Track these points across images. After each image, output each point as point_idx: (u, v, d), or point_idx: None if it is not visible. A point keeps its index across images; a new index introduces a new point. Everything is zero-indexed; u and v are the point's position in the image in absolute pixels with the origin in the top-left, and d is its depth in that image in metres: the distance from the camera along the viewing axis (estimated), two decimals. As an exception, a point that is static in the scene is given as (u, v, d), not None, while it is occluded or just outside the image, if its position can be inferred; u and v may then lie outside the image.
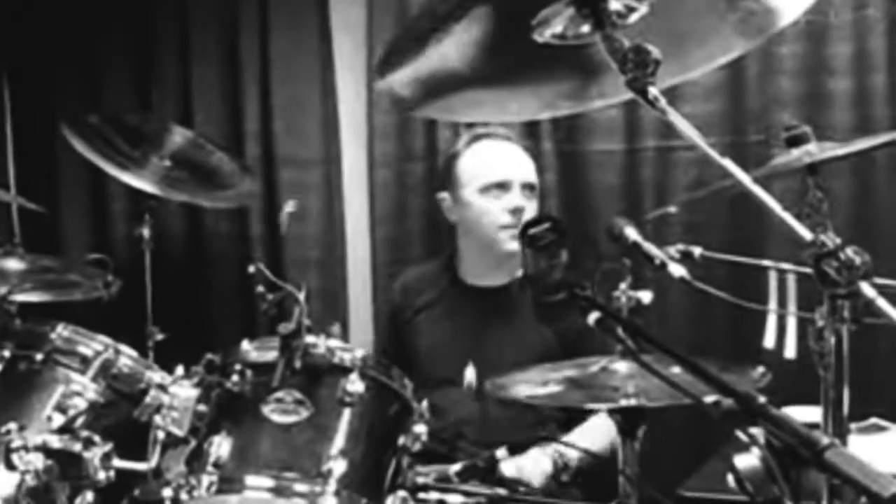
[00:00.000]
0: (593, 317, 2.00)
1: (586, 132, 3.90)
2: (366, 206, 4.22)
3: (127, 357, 2.52)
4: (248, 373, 2.24)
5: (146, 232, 3.89)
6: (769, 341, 2.62)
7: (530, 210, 3.19)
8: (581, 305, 1.99)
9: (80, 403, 2.42)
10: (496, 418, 2.96)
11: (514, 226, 3.10)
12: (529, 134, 3.91)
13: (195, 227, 4.43)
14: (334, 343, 2.29)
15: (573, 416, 3.05)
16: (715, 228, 3.67)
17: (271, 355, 2.23)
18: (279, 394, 2.19)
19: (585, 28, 1.98)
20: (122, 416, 2.43)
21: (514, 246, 3.10)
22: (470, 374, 2.53)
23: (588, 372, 2.43)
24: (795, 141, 2.44)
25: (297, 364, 2.19)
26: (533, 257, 2.01)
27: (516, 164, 3.27)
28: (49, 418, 2.41)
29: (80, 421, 2.38)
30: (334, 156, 4.28)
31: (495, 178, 3.21)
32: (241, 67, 4.33)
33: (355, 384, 2.22)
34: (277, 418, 2.18)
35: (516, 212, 3.15)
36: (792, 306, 2.61)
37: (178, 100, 4.41)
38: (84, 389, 2.45)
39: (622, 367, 2.40)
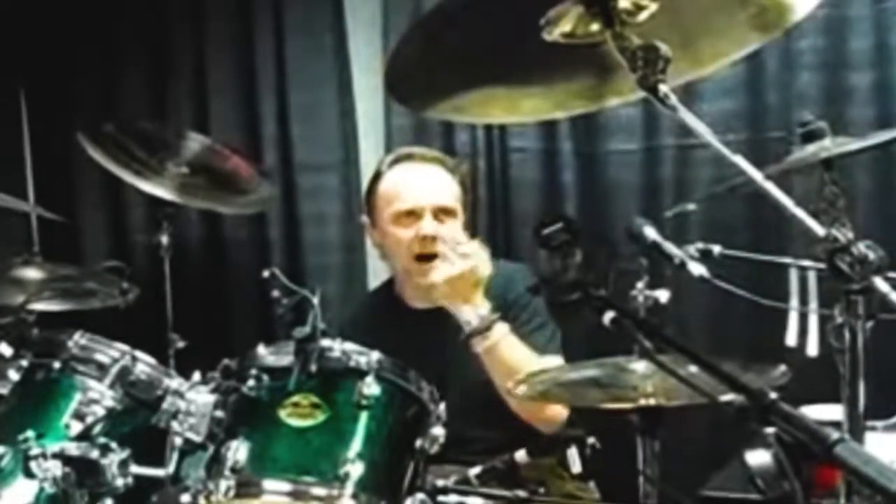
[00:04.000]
0: (608, 316, 2.00)
1: (604, 132, 3.88)
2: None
3: (144, 364, 2.50)
4: (265, 377, 2.24)
5: (164, 239, 3.89)
6: (791, 339, 2.60)
7: (448, 231, 3.05)
8: (596, 305, 1.99)
9: (98, 411, 2.41)
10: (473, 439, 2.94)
11: (427, 256, 3.03)
12: (547, 134, 3.91)
13: (213, 233, 4.46)
14: (350, 346, 2.28)
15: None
16: (735, 226, 3.65)
17: (287, 360, 2.22)
18: (295, 398, 2.18)
19: (595, 26, 1.98)
20: (140, 423, 2.42)
21: (430, 278, 2.98)
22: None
23: (608, 371, 2.43)
24: (811, 136, 2.41)
25: (313, 368, 2.19)
26: (546, 257, 2.00)
27: (428, 189, 3.14)
28: (67, 426, 2.41)
29: (97, 428, 2.37)
30: (353, 159, 4.29)
31: (404, 206, 3.11)
32: (257, 71, 4.36)
33: (371, 387, 2.21)
34: (294, 422, 2.17)
35: (426, 240, 3.05)
36: (813, 304, 2.59)
37: (194, 106, 4.44)
38: (101, 397, 2.43)
39: (640, 366, 2.39)
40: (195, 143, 3.87)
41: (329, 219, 4.30)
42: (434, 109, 2.44)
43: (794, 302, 2.61)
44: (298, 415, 2.18)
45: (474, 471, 2.42)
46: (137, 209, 4.46)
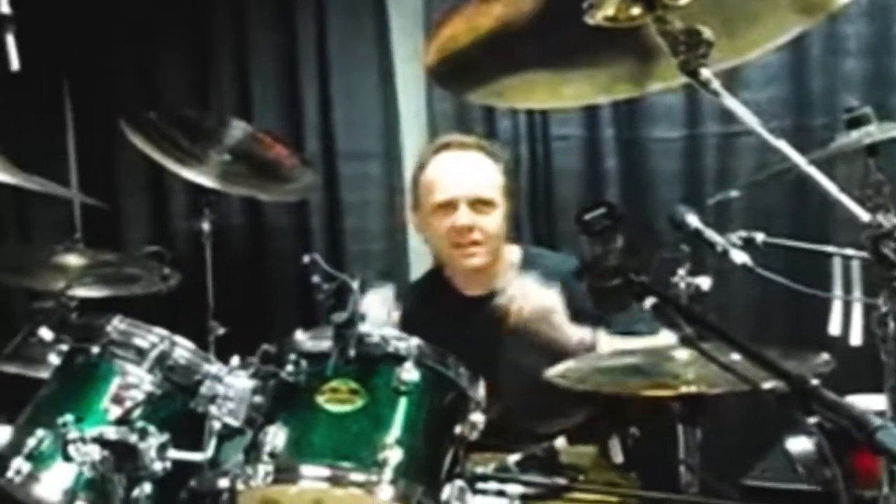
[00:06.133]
0: (649, 302, 1.98)
1: (646, 118, 3.85)
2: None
3: (183, 349, 2.49)
4: (303, 363, 2.23)
5: (206, 226, 3.89)
6: (835, 328, 2.58)
7: (485, 224, 3.11)
8: (636, 291, 1.97)
9: (137, 395, 2.42)
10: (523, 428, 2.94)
11: (465, 244, 3.10)
12: (590, 121, 3.88)
13: (255, 221, 4.45)
14: (389, 332, 2.27)
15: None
16: (778, 214, 3.61)
17: (325, 345, 2.21)
18: (333, 383, 2.17)
19: (636, 10, 1.96)
20: (178, 408, 2.42)
21: (471, 262, 3.12)
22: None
23: (649, 359, 2.41)
24: (855, 122, 2.39)
25: (352, 353, 2.17)
26: (588, 243, 1.99)
27: (464, 179, 3.15)
28: (106, 410, 2.42)
29: (136, 412, 2.37)
30: (394, 147, 4.28)
31: (441, 197, 3.13)
32: (299, 59, 4.35)
33: (410, 372, 2.20)
34: (332, 408, 2.16)
35: (462, 231, 3.09)
36: (857, 292, 2.56)
37: (237, 94, 4.44)
38: (140, 381, 2.43)
39: (682, 354, 2.37)
40: (237, 130, 3.86)
41: (371, 206, 4.30)
42: (475, 94, 2.44)
43: (838, 290, 2.59)
44: (337, 400, 2.16)
45: (514, 458, 2.40)
46: (179, 196, 4.46)
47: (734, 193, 3.45)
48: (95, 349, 2.51)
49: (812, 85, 3.67)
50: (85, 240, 4.08)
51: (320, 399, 2.17)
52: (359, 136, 4.31)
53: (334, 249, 4.26)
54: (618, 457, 2.75)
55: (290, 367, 2.22)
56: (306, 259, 2.45)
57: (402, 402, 2.20)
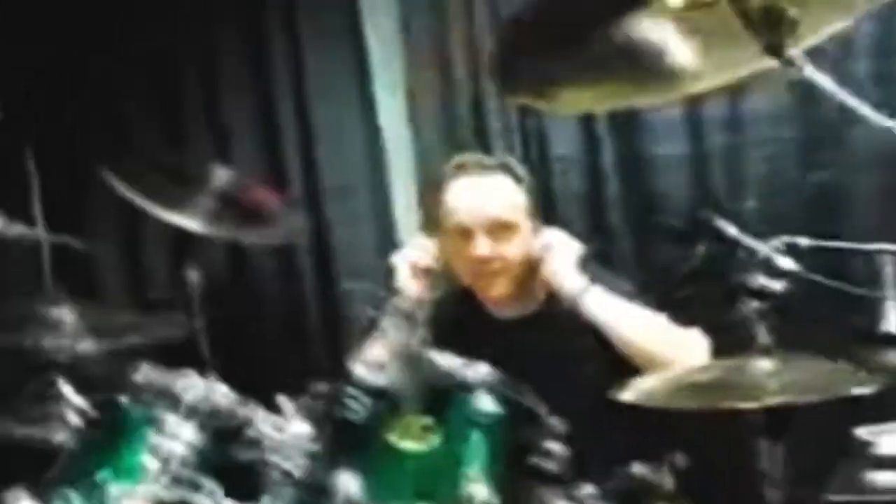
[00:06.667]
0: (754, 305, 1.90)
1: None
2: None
3: (219, 394, 2.32)
4: (365, 399, 2.06)
5: (193, 274, 3.70)
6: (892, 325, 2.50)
7: (506, 250, 2.95)
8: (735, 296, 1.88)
9: (176, 446, 2.22)
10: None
11: (485, 274, 2.98)
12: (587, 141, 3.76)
13: (240, 265, 4.26)
14: (455, 360, 2.12)
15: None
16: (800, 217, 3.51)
17: (387, 378, 2.06)
18: (405, 419, 2.01)
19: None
20: (220, 456, 2.24)
21: (491, 294, 3.01)
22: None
23: (731, 371, 2.27)
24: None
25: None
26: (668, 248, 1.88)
27: (480, 205, 2.98)
28: (143, 464, 2.22)
29: (176, 464, 2.18)
30: (381, 181, 4.12)
31: (458, 223, 2.98)
32: (276, 95, 4.20)
33: (484, 403, 2.05)
34: (407, 445, 2.00)
35: (481, 261, 2.94)
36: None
37: (213, 135, 4.27)
38: (178, 430, 2.24)
39: (763, 364, 2.23)
40: (219, 175, 3.69)
41: (363, 245, 4.12)
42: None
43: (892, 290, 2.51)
44: (411, 437, 2.00)
45: (588, 489, 2.24)
46: (161, 243, 4.26)
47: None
48: (125, 399, 2.31)
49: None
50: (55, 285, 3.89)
51: (392, 438, 2.01)
52: (342, 171, 4.16)
53: (326, 290, 4.07)
54: (667, 483, 2.60)
55: (352, 405, 2.05)
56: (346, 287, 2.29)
57: (479, 435, 2.05)
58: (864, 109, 1.71)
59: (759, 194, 3.50)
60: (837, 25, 1.95)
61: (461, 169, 3.05)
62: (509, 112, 3.84)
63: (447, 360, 2.10)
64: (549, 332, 2.97)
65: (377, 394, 2.07)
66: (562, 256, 2.94)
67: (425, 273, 3.03)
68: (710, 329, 2.80)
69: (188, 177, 3.62)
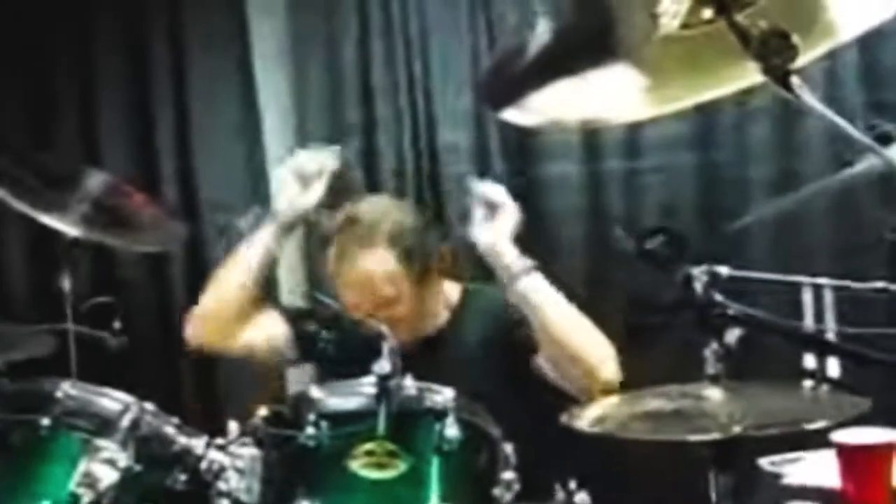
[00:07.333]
0: (735, 334, 1.88)
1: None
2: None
3: (151, 415, 2.14)
4: (324, 424, 1.94)
5: (66, 283, 3.50)
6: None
7: (389, 316, 2.66)
8: (717, 323, 1.85)
9: (111, 474, 2.04)
10: None
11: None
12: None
13: (113, 273, 4.07)
14: (422, 383, 2.01)
15: None
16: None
17: (353, 402, 1.97)
18: (369, 445, 1.90)
19: (707, 13, 1.80)
20: (154, 484, 2.08)
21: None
22: None
23: (686, 401, 2.23)
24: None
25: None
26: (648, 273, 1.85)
27: (358, 295, 2.80)
28: (74, 496, 2.03)
29: (110, 495, 2.01)
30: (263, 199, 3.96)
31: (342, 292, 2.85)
32: (153, 97, 4.05)
33: (452, 429, 1.95)
34: (371, 473, 1.89)
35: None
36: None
37: (83, 135, 4.08)
38: (113, 457, 2.05)
39: (714, 393, 2.21)
40: (94, 179, 3.50)
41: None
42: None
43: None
44: (375, 465, 1.90)
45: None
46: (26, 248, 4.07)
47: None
48: (45, 421, 2.11)
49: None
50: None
51: (355, 465, 1.90)
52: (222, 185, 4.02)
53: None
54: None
55: (310, 430, 1.93)
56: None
57: (443, 462, 1.96)
58: (855, 133, 1.69)
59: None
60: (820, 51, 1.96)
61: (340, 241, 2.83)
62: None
63: (414, 383, 1.99)
64: (455, 349, 2.85)
65: (337, 418, 1.96)
66: (502, 224, 2.70)
67: (318, 175, 2.89)
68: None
69: (60, 178, 3.45)
